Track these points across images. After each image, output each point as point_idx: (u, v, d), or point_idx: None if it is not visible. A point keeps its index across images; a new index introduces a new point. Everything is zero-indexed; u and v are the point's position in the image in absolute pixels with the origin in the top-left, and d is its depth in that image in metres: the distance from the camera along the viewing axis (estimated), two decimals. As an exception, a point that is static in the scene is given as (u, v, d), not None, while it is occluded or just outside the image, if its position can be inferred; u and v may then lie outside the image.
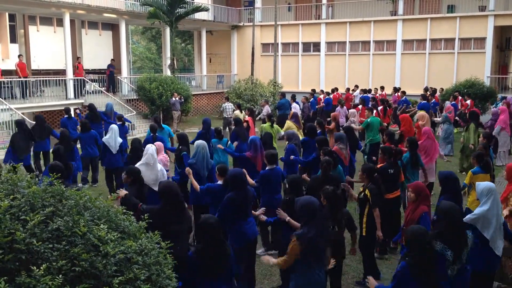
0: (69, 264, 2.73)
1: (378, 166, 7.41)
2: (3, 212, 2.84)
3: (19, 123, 11.12)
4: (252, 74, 26.45)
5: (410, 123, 11.41)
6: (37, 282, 2.53)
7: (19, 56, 20.37)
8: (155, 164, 7.31)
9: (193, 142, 9.10)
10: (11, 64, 23.62)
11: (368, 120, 11.72)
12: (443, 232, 4.39)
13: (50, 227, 2.90)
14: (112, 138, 9.91)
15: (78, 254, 2.79)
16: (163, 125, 11.46)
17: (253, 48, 26.97)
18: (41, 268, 2.58)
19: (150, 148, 7.38)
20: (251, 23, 27.80)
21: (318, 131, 10.45)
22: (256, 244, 6.10)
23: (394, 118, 19.34)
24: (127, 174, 6.14)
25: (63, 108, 19.59)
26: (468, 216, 5.09)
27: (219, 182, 6.31)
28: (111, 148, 9.85)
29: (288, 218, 5.39)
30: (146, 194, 6.43)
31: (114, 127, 10.17)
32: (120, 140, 10.05)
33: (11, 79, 19.56)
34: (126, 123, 13.46)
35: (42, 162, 11.73)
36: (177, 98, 20.72)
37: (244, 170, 6.18)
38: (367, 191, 6.25)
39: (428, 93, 19.28)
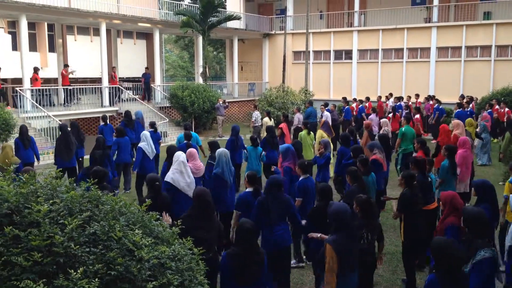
0: (105, 268, 2.79)
1: None
2: (42, 216, 2.93)
3: (61, 128, 11.35)
4: (283, 82, 26.47)
5: (449, 133, 11.17)
6: (74, 285, 2.59)
7: (65, 65, 21.06)
8: (187, 171, 7.41)
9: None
10: (49, 72, 24.39)
11: (403, 129, 11.53)
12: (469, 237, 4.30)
13: (87, 231, 2.97)
14: (148, 144, 10.04)
15: (113, 258, 2.84)
16: (191, 132, 11.56)
17: (284, 56, 27.02)
18: (78, 271, 2.64)
19: (181, 155, 7.47)
20: (283, 31, 27.89)
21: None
22: (290, 252, 6.02)
23: (427, 127, 19.07)
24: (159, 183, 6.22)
25: (98, 115, 20.23)
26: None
27: (249, 189, 6.27)
28: (149, 154, 9.97)
29: (320, 234, 5.33)
30: (177, 200, 6.58)
31: (146, 133, 10.29)
32: (153, 145, 10.21)
33: (49, 87, 20.19)
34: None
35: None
36: (221, 103, 21.00)
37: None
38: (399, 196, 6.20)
39: (465, 101, 18.89)
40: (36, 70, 19.10)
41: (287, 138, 12.14)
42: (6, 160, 8.88)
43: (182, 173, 7.21)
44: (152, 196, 5.94)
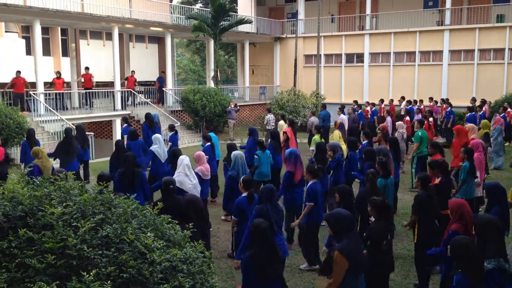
0: (117, 271, 2.81)
1: (436, 181, 7.03)
2: (56, 219, 2.96)
3: (66, 131, 11.44)
4: (294, 85, 26.44)
5: (466, 134, 11.08)
6: None
7: (85, 68, 21.30)
8: (192, 173, 7.62)
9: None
10: (63, 76, 24.57)
11: (419, 133, 11.45)
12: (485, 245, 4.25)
13: (100, 234, 2.99)
14: (160, 147, 10.10)
15: (126, 261, 2.86)
16: (210, 134, 11.59)
17: (295, 60, 27.00)
18: (91, 273, 2.67)
19: (185, 159, 7.64)
20: (294, 35, 27.88)
21: (365, 142, 10.35)
22: (283, 264, 5.96)
23: (441, 130, 18.95)
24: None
25: (111, 119, 20.39)
26: None
27: (244, 194, 6.26)
28: (160, 157, 10.02)
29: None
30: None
31: (159, 136, 10.36)
32: (166, 148, 10.28)
33: (62, 91, 20.36)
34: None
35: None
36: (232, 107, 21.04)
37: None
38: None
39: (477, 104, 18.72)
40: (56, 73, 19.48)
41: (292, 142, 12.11)
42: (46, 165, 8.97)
43: (187, 175, 7.41)
44: (166, 199, 5.98)
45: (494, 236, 4.32)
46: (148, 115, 13.75)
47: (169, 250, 3.20)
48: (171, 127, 12.69)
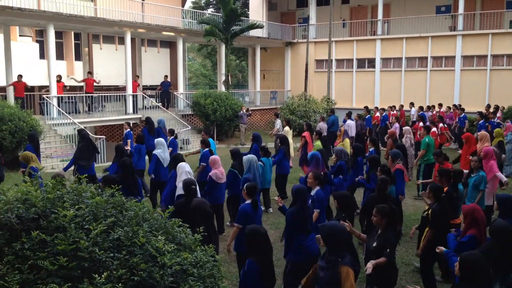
0: (129, 273, 2.82)
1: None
2: (68, 221, 2.99)
3: (82, 135, 11.35)
4: (305, 90, 26.42)
5: (475, 142, 10.96)
6: (98, 290, 2.63)
7: (88, 73, 21.41)
8: (194, 181, 7.63)
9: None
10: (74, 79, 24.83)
11: (426, 140, 11.34)
12: (490, 251, 4.18)
13: (111, 237, 3.01)
14: (164, 151, 10.05)
15: (137, 264, 2.88)
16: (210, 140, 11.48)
17: (306, 65, 26.99)
18: (103, 276, 2.69)
19: (186, 166, 7.66)
20: (305, 40, 27.89)
21: (371, 149, 10.29)
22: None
23: (454, 136, 18.79)
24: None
25: (122, 122, 20.48)
26: None
27: (247, 201, 6.12)
28: (163, 161, 9.98)
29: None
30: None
31: (162, 141, 10.26)
32: (168, 153, 10.23)
33: (75, 95, 20.57)
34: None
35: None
36: (244, 111, 21.06)
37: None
38: (430, 211, 6.05)
39: (491, 110, 18.53)
40: (56, 77, 19.66)
41: (310, 147, 12.08)
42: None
43: None
44: (188, 200, 6.05)
45: (508, 243, 4.25)
46: (148, 119, 13.61)
47: (180, 253, 3.20)
48: (171, 132, 12.63)
